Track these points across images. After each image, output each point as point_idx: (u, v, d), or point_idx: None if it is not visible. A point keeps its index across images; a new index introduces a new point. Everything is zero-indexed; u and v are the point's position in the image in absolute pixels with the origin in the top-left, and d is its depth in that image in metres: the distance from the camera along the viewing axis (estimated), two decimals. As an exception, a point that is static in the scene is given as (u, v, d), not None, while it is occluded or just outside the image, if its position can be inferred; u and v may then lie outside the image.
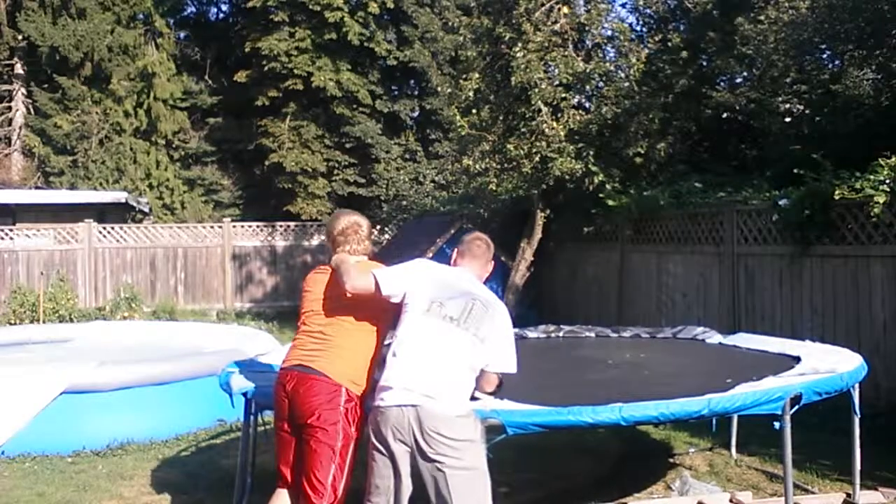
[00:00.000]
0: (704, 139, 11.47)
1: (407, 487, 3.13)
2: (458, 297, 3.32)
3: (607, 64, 10.14)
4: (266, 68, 19.65)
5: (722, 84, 11.23)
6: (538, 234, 10.83)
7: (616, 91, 9.96)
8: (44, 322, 12.84)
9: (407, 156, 20.02)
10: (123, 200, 17.23)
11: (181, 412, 6.53)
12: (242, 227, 17.06)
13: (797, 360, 4.54)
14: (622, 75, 10.17)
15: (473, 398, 3.30)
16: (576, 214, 10.78)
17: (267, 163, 20.08)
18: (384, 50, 20.15)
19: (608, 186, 9.85)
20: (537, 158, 9.83)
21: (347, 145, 20.19)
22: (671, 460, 5.55)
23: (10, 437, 5.91)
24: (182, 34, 23.99)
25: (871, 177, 6.36)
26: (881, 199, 6.20)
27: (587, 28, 10.22)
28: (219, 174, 22.15)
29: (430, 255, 11.42)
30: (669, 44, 10.67)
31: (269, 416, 4.85)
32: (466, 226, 11.85)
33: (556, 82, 9.89)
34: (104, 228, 15.93)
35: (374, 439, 3.16)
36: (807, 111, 10.41)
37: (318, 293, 3.49)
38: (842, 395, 4.11)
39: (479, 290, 3.46)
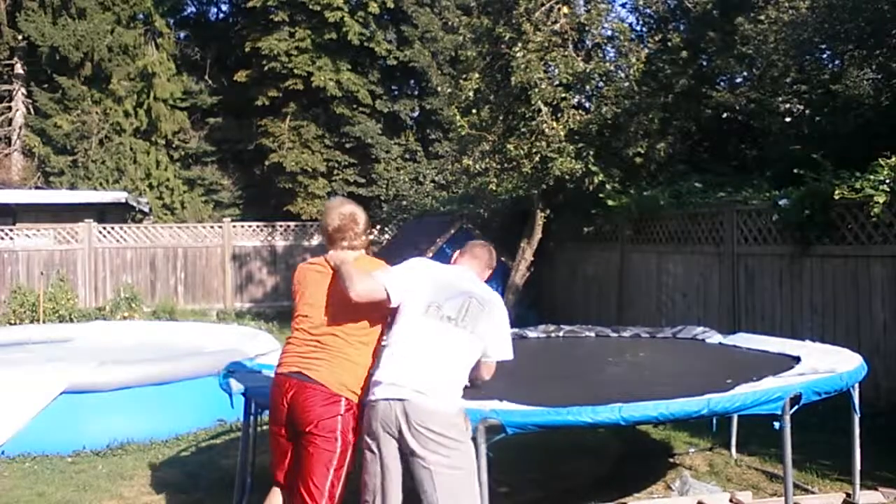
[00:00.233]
0: (704, 139, 11.47)
1: (396, 484, 3.13)
2: (456, 297, 3.33)
3: (607, 64, 10.14)
4: (266, 68, 19.66)
5: (722, 84, 11.23)
6: (538, 234, 10.83)
7: (616, 91, 9.96)
8: (44, 322, 12.84)
9: (407, 156, 20.02)
10: (123, 200, 17.23)
11: (181, 412, 6.53)
12: (242, 227, 17.06)
13: (797, 360, 4.54)
14: (622, 75, 10.17)
15: (472, 384, 3.33)
16: (576, 214, 10.79)
17: (267, 163, 20.08)
18: (384, 50, 20.15)
19: (608, 186, 9.85)
20: (537, 158, 9.83)
21: (347, 145, 20.19)
22: (671, 460, 5.55)
23: (10, 437, 5.91)
24: (182, 34, 24.00)
25: (871, 177, 6.36)
26: (881, 199, 6.20)
27: (587, 28, 10.22)
28: (219, 174, 22.15)
29: (430, 254, 11.42)
30: (669, 44, 10.67)
31: (268, 416, 4.86)
32: (466, 226, 11.85)
33: (556, 82, 9.89)
34: (104, 228, 15.93)
35: (365, 435, 3.18)
36: (807, 111, 10.41)
37: (317, 295, 3.39)
38: (842, 395, 4.12)
39: (477, 287, 3.46)
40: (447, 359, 3.23)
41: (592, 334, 6.32)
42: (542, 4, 9.89)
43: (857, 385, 4.24)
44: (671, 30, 11.28)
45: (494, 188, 10.94)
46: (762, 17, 9.94)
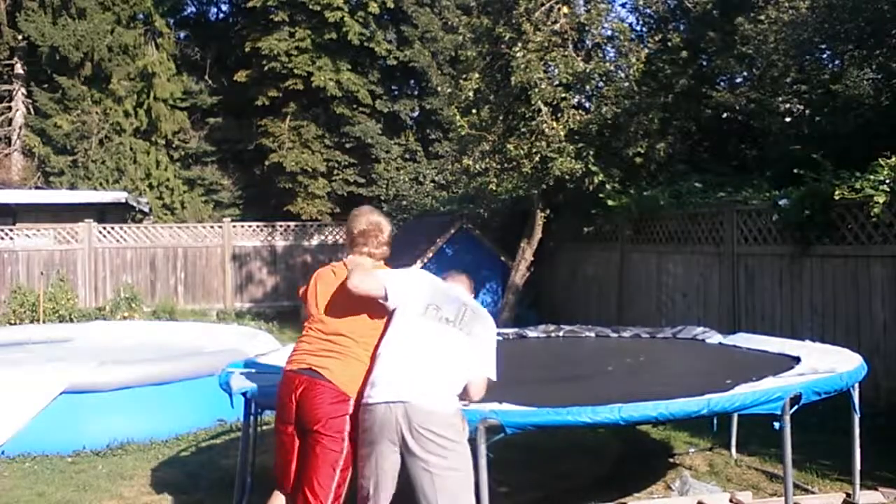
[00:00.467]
0: (704, 139, 11.46)
1: (390, 484, 3.14)
2: (453, 302, 3.41)
3: (607, 64, 10.13)
4: (266, 68, 19.65)
5: (722, 84, 11.23)
6: (538, 234, 10.83)
7: (616, 91, 9.95)
8: (44, 322, 12.84)
9: (407, 156, 20.01)
10: (123, 200, 17.23)
11: (181, 412, 6.53)
12: (242, 227, 17.06)
13: (797, 360, 4.54)
14: (622, 75, 10.16)
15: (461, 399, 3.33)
16: (576, 214, 10.79)
17: (267, 163, 20.07)
18: (384, 50, 20.14)
19: (608, 186, 9.85)
20: (537, 158, 9.83)
21: (347, 145, 20.18)
22: (671, 460, 5.55)
23: (10, 437, 5.91)
24: (182, 34, 23.99)
25: (871, 177, 6.36)
26: (881, 199, 6.20)
27: (587, 28, 10.22)
28: (219, 174, 22.14)
29: (431, 254, 11.42)
30: (669, 44, 10.66)
31: (269, 416, 4.86)
32: (466, 226, 11.85)
33: (556, 82, 9.89)
34: (104, 228, 15.93)
35: (362, 436, 3.18)
36: (807, 111, 10.41)
37: (331, 296, 3.43)
38: (842, 395, 4.12)
39: (471, 301, 3.58)
40: (446, 360, 3.24)
41: (592, 334, 6.32)
42: (542, 4, 9.88)
43: (857, 385, 4.24)
44: (671, 30, 11.27)
45: (494, 188, 10.93)
46: (762, 17, 9.94)
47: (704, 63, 11.23)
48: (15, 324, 12.96)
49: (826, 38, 9.31)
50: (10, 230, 15.70)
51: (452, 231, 11.71)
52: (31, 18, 20.01)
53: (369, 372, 3.32)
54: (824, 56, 10.17)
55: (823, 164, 6.88)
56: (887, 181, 6.25)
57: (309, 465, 3.24)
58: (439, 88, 12.62)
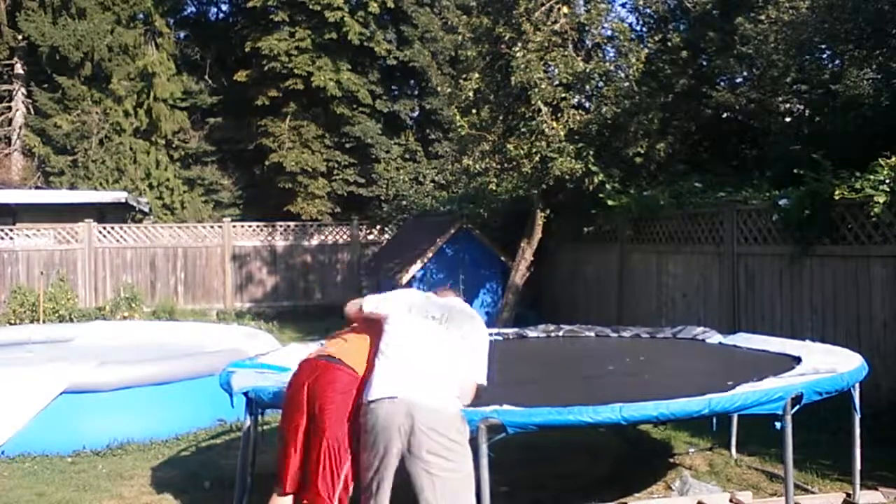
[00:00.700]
0: (704, 139, 11.45)
1: (389, 483, 3.15)
2: (437, 306, 3.55)
3: (607, 64, 10.12)
4: (266, 68, 19.66)
5: (722, 84, 11.21)
6: (538, 234, 10.82)
7: (616, 91, 9.94)
8: (44, 322, 12.83)
9: (407, 156, 20.02)
10: (123, 200, 17.23)
11: (181, 412, 6.53)
12: (242, 227, 17.05)
13: (797, 360, 4.54)
14: (622, 75, 10.15)
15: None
16: (576, 214, 10.78)
17: (267, 163, 20.09)
18: (384, 50, 20.15)
19: (608, 186, 9.85)
20: (537, 158, 9.82)
21: (347, 145, 20.20)
22: (671, 460, 5.55)
23: (10, 437, 5.91)
24: (182, 34, 24.01)
25: (871, 177, 6.35)
26: (881, 199, 6.19)
27: (587, 28, 10.21)
28: (219, 174, 22.16)
29: (431, 254, 11.42)
30: (669, 44, 10.65)
31: (269, 416, 4.87)
32: (466, 226, 11.84)
33: (556, 82, 9.88)
34: (104, 228, 15.93)
35: (364, 436, 3.18)
36: (807, 111, 10.40)
37: (351, 325, 3.91)
38: (842, 395, 4.12)
39: (456, 302, 3.72)
40: (441, 358, 3.27)
41: (592, 334, 6.32)
42: (542, 4, 9.88)
43: (857, 385, 4.24)
44: (671, 30, 11.27)
45: (494, 188, 10.92)
46: (762, 17, 9.93)
47: (704, 63, 11.22)
48: (15, 324, 12.95)
49: (826, 38, 9.30)
50: (10, 230, 15.70)
51: (452, 231, 11.70)
52: (31, 18, 20.01)
53: (367, 375, 3.35)
54: (824, 56, 10.16)
55: (823, 164, 6.87)
56: (887, 181, 6.24)
57: (319, 451, 3.27)
58: (439, 88, 12.60)
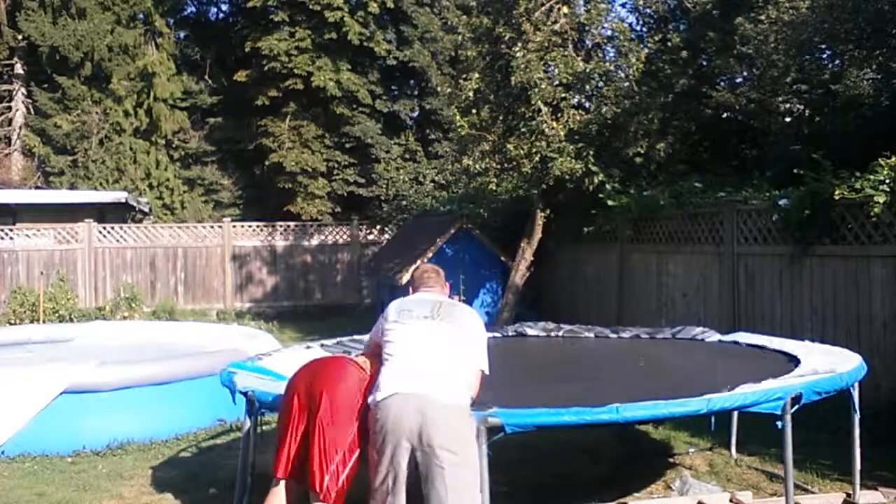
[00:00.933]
0: (704, 139, 11.45)
1: (403, 480, 3.16)
2: (425, 305, 3.57)
3: (607, 64, 10.12)
4: (266, 68, 19.66)
5: (722, 84, 11.20)
6: (538, 234, 10.82)
7: (616, 91, 9.94)
8: (44, 322, 12.83)
9: (407, 156, 20.01)
10: (123, 200, 17.23)
11: (181, 412, 6.54)
12: (242, 227, 17.05)
13: (797, 360, 4.55)
14: (622, 75, 10.15)
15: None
16: (576, 214, 10.78)
17: (267, 163, 20.08)
18: (384, 50, 20.14)
19: (608, 186, 9.84)
20: (537, 158, 9.82)
21: (347, 145, 20.19)
22: (671, 460, 5.55)
23: (10, 437, 5.91)
24: (182, 34, 23.99)
25: (871, 177, 6.35)
26: (881, 199, 6.19)
27: (587, 28, 10.21)
28: (219, 174, 22.15)
29: (430, 254, 11.42)
30: (669, 44, 10.65)
31: (269, 416, 4.87)
32: (466, 226, 11.84)
33: (556, 82, 9.88)
34: (104, 228, 15.93)
35: (374, 435, 3.19)
36: (807, 111, 10.40)
37: None
38: (842, 395, 4.12)
39: (443, 298, 3.74)
40: (443, 354, 3.29)
41: (592, 335, 6.32)
42: (542, 4, 9.88)
43: (857, 385, 4.24)
44: (671, 30, 11.26)
45: (494, 188, 10.91)
46: (762, 17, 9.93)
47: (704, 63, 11.22)
48: (15, 324, 12.95)
49: (826, 38, 9.29)
50: (10, 230, 15.70)
51: (452, 231, 11.70)
52: (31, 18, 20.01)
53: (372, 379, 3.37)
54: (824, 56, 10.15)
55: (823, 164, 6.87)
56: (887, 181, 6.24)
57: (319, 444, 3.28)
58: (439, 88, 12.60)
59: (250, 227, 17.05)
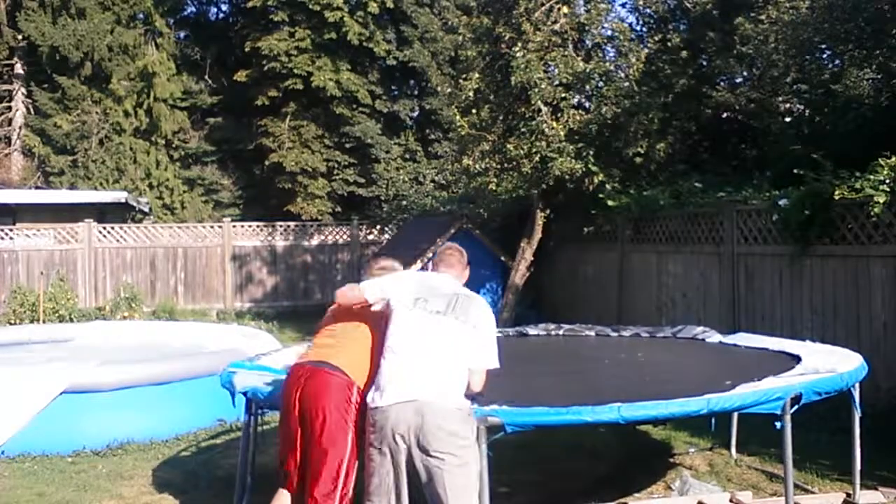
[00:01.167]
0: (704, 139, 11.45)
1: (405, 482, 3.15)
2: (441, 296, 3.45)
3: (607, 64, 10.13)
4: (266, 68, 19.66)
5: (722, 84, 11.21)
6: (538, 234, 10.83)
7: (616, 91, 9.95)
8: (44, 322, 12.83)
9: (407, 156, 20.02)
10: (123, 200, 17.23)
11: (181, 412, 6.53)
12: (242, 227, 17.05)
13: (797, 360, 4.54)
14: (622, 75, 10.16)
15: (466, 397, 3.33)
16: (576, 214, 10.78)
17: (267, 163, 20.09)
18: (384, 50, 20.15)
19: (608, 186, 9.85)
20: (537, 158, 9.83)
21: (347, 145, 20.19)
22: (671, 460, 5.55)
23: (10, 437, 5.91)
24: (182, 34, 24.00)
25: (871, 177, 6.35)
26: (881, 199, 6.19)
27: (587, 28, 10.22)
28: (219, 174, 22.16)
29: (430, 254, 11.41)
30: (669, 44, 10.65)
31: (269, 416, 4.87)
32: (466, 226, 11.84)
33: (556, 82, 9.89)
34: (104, 228, 15.93)
35: (372, 437, 3.18)
36: (807, 111, 10.40)
37: (341, 313, 3.74)
38: (842, 395, 4.12)
39: (461, 289, 3.61)
40: (446, 352, 3.26)
41: (592, 334, 6.32)
42: (542, 4, 9.88)
43: (857, 385, 4.24)
44: (671, 30, 11.27)
45: (494, 188, 10.92)
46: (762, 17, 9.93)
47: (704, 63, 11.22)
48: (15, 324, 12.94)
49: (826, 38, 9.30)
50: (10, 230, 15.70)
51: (452, 231, 11.70)
52: (31, 18, 20.02)
53: (372, 375, 3.34)
54: (824, 56, 10.15)
55: (823, 164, 6.87)
56: (887, 181, 6.24)
57: (314, 457, 3.25)
58: (439, 88, 12.62)
59: (250, 227, 17.05)
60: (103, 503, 4.89)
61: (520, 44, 9.64)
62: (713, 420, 5.50)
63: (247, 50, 20.02)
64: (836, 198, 6.56)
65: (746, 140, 11.21)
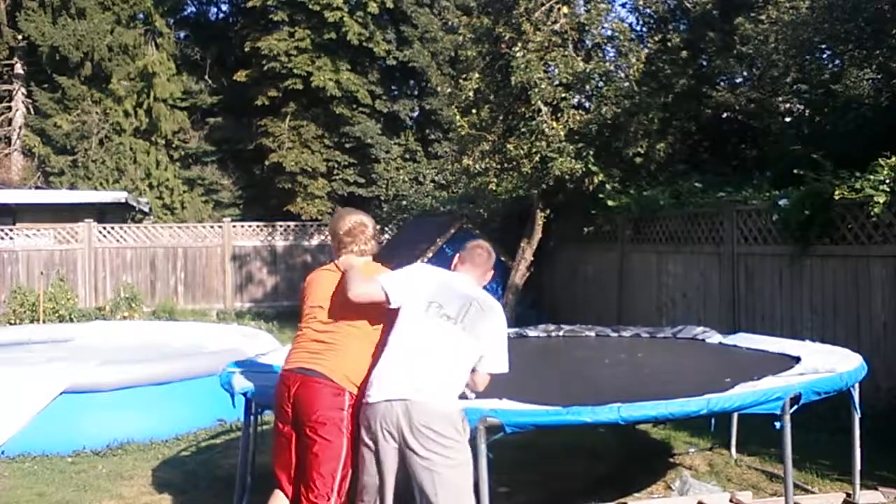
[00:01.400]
0: (704, 139, 11.45)
1: (392, 482, 3.14)
2: (457, 299, 3.35)
3: (607, 64, 10.13)
4: (266, 68, 19.66)
5: (722, 84, 11.21)
6: (538, 234, 10.83)
7: (616, 91, 9.95)
8: (44, 322, 12.84)
9: (407, 156, 20.02)
10: (123, 200, 17.23)
11: (181, 412, 6.53)
12: (242, 227, 17.06)
13: (797, 360, 4.54)
14: (622, 75, 10.16)
15: (463, 396, 3.32)
16: (576, 214, 10.78)
17: (267, 163, 20.08)
18: (383, 50, 20.14)
19: (608, 186, 9.85)
20: (537, 158, 9.83)
21: (347, 145, 20.19)
22: (671, 460, 5.55)
23: (10, 437, 5.91)
24: (182, 34, 23.99)
25: (871, 177, 6.35)
26: (881, 199, 6.19)
27: (587, 28, 10.22)
28: (219, 174, 22.16)
29: (430, 254, 11.42)
30: (669, 44, 10.66)
31: (269, 416, 4.86)
32: (466, 226, 11.85)
33: (556, 82, 9.89)
34: (104, 228, 15.93)
35: (363, 434, 3.18)
36: (807, 111, 10.40)
37: (323, 295, 3.44)
38: (842, 395, 4.12)
39: (478, 293, 3.48)
40: (447, 358, 3.23)
41: (592, 334, 6.32)
42: (542, 4, 9.89)
43: (857, 385, 4.24)
44: (671, 30, 11.27)
45: (494, 188, 10.92)
46: (762, 17, 9.94)
47: (704, 63, 11.23)
48: (15, 324, 12.95)
49: (826, 38, 9.30)
50: (10, 230, 15.71)
51: (452, 231, 11.70)
52: (31, 18, 20.02)
53: (370, 370, 3.32)
54: (824, 56, 10.16)
55: (823, 164, 6.87)
56: (887, 181, 6.24)
57: (309, 463, 3.23)
58: (439, 88, 12.63)
59: (250, 227, 17.06)
60: (103, 503, 4.89)
61: (520, 44, 9.64)
62: (713, 420, 5.50)
63: (247, 50, 20.02)
64: (836, 198, 6.56)
65: (746, 140, 11.21)
